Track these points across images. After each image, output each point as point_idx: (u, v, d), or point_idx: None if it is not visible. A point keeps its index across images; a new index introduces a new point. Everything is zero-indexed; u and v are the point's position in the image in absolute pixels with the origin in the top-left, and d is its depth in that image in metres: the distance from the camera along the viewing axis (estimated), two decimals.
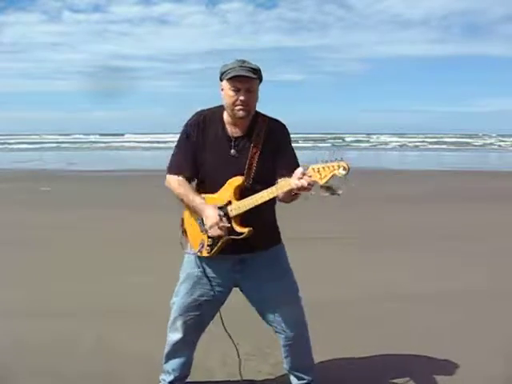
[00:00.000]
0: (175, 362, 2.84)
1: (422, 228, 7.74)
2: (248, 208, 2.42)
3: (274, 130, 2.56)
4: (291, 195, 2.39)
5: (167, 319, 3.97)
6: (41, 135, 53.10)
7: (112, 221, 8.24)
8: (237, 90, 2.44)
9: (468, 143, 46.29)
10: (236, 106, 2.45)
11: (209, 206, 2.49)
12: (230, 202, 2.47)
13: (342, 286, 4.88)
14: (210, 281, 2.64)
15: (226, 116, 2.56)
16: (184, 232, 2.69)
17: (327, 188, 2.22)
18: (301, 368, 2.80)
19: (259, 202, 2.40)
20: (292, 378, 2.85)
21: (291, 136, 2.65)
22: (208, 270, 2.64)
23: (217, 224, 2.43)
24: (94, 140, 48.46)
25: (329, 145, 37.44)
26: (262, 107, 2.65)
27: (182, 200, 2.58)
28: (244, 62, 2.46)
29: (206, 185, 2.57)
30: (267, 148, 2.51)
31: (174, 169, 2.60)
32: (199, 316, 2.70)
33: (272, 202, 2.51)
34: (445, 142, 46.42)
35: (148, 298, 4.57)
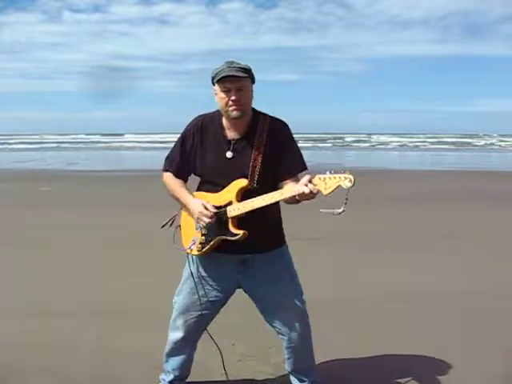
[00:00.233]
0: (175, 361, 2.85)
1: (422, 228, 7.75)
2: (247, 210, 2.41)
3: (277, 130, 2.54)
4: (295, 200, 2.37)
5: (167, 319, 3.97)
6: (41, 135, 53.09)
7: (112, 221, 8.24)
8: (227, 91, 2.44)
9: (469, 143, 46.30)
10: (229, 106, 2.45)
11: (193, 198, 2.54)
12: (230, 203, 2.46)
13: (342, 285, 4.88)
14: (212, 281, 2.64)
15: (224, 119, 2.56)
16: (179, 228, 2.71)
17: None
18: (302, 370, 2.80)
19: (260, 205, 2.38)
20: (293, 379, 2.85)
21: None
22: (211, 271, 2.64)
23: (201, 213, 2.45)
24: (94, 140, 48.46)
25: (330, 145, 37.48)
26: (263, 107, 2.66)
27: (172, 195, 2.65)
28: (232, 62, 2.47)
29: (209, 187, 2.57)
30: (270, 149, 2.50)
31: (165, 166, 2.69)
32: (200, 315, 2.69)
33: (277, 204, 2.49)
34: (445, 142, 46.45)
35: (148, 298, 4.57)
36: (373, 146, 42.31)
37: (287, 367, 2.83)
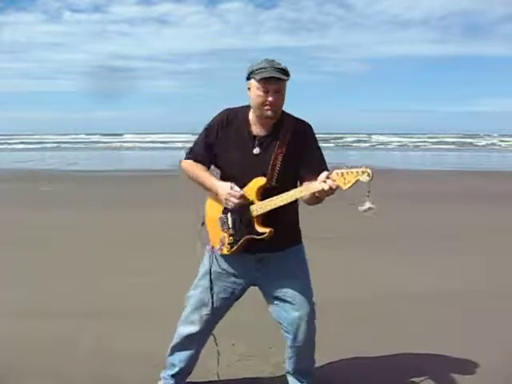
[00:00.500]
0: (183, 355, 2.83)
1: (421, 228, 7.75)
2: (270, 209, 2.44)
3: (300, 131, 2.56)
4: (315, 198, 2.39)
5: (167, 319, 3.97)
6: (41, 135, 53.08)
7: (112, 221, 8.24)
8: (266, 91, 2.43)
9: (470, 143, 46.30)
10: (264, 106, 2.45)
11: (218, 181, 2.53)
12: (252, 202, 2.48)
13: (341, 285, 4.88)
14: (229, 278, 2.66)
15: (251, 115, 2.56)
16: (206, 228, 2.71)
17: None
18: (303, 370, 2.80)
19: (282, 203, 2.40)
20: (291, 379, 2.85)
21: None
22: (228, 268, 2.66)
23: (230, 194, 2.45)
24: (94, 140, 48.47)
25: (332, 145, 37.44)
26: None
27: (194, 180, 2.64)
28: (273, 61, 2.44)
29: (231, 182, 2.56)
30: (292, 149, 2.51)
31: (188, 155, 2.68)
32: (215, 311, 2.70)
33: (296, 202, 2.51)
34: (446, 142, 46.47)
35: (148, 298, 4.57)
36: (373, 146, 42.31)
37: (288, 366, 2.83)
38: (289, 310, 2.62)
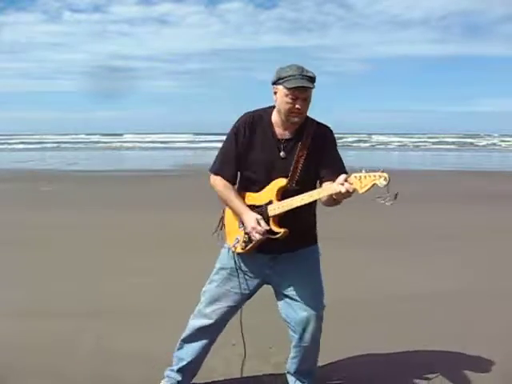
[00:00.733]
0: (192, 348, 2.83)
1: (421, 228, 7.75)
2: (288, 209, 2.47)
3: (321, 135, 2.59)
4: (333, 200, 2.41)
5: (167, 319, 3.98)
6: (41, 135, 53.08)
7: (112, 221, 8.24)
8: (295, 99, 2.45)
9: (470, 143, 46.31)
10: (291, 112, 2.48)
11: (248, 211, 2.55)
12: (270, 202, 2.52)
13: (341, 285, 4.87)
14: (243, 275, 2.69)
15: (274, 118, 2.59)
16: (223, 225, 2.76)
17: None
18: (304, 371, 2.81)
19: (299, 204, 2.44)
20: (292, 380, 2.86)
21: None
22: (243, 265, 2.69)
23: (254, 229, 2.48)
24: (94, 140, 48.48)
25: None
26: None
27: (224, 201, 2.66)
28: (303, 69, 2.46)
29: (251, 183, 2.61)
30: (313, 152, 2.54)
31: (217, 169, 2.66)
32: (229, 306, 2.74)
33: (313, 204, 2.55)
34: (447, 142, 46.49)
35: (148, 298, 4.57)
36: (373, 146, 42.31)
37: (289, 366, 2.83)
38: (297, 309, 2.63)
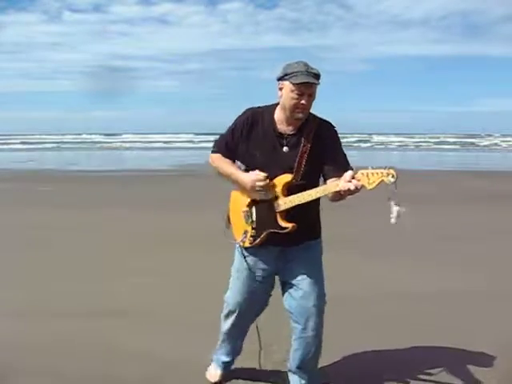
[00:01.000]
0: (228, 348, 3.02)
1: (421, 228, 7.73)
2: (294, 204, 2.52)
3: (324, 130, 2.63)
4: (339, 195, 2.45)
5: (167, 319, 3.99)
6: (41, 135, 53.07)
7: (112, 221, 8.24)
8: (301, 94, 2.50)
9: (471, 143, 46.30)
10: (297, 108, 2.52)
11: (244, 173, 2.61)
12: (277, 198, 2.56)
13: (341, 285, 4.87)
14: (259, 271, 2.74)
15: (277, 114, 2.63)
16: (229, 223, 2.81)
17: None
18: (306, 367, 2.82)
19: (306, 200, 2.49)
20: (292, 377, 2.86)
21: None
22: (256, 261, 2.74)
23: (255, 181, 2.54)
24: (94, 140, 48.48)
25: None
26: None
27: (222, 173, 2.71)
28: (308, 66, 2.50)
29: None
30: (316, 147, 2.58)
31: (215, 148, 2.75)
32: (253, 305, 2.83)
33: (318, 199, 2.59)
34: (448, 142, 46.51)
35: (148, 298, 4.57)
36: (374, 146, 42.29)
37: (291, 363, 2.85)
38: (300, 299, 2.69)
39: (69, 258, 5.90)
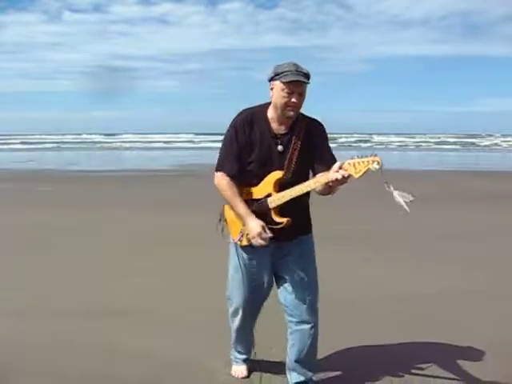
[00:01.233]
0: (241, 345, 3.12)
1: (421, 228, 7.74)
2: (287, 200, 2.59)
3: (313, 128, 2.73)
4: (329, 188, 2.54)
5: (167, 319, 3.99)
6: (41, 135, 53.07)
7: (112, 221, 8.25)
8: (291, 93, 2.58)
9: (472, 143, 46.28)
10: (288, 106, 2.61)
11: (253, 217, 2.64)
12: (270, 194, 2.65)
13: (341, 285, 4.87)
14: (256, 267, 2.81)
15: (270, 113, 2.71)
16: (225, 222, 2.86)
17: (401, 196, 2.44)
18: (304, 360, 2.83)
19: (297, 194, 2.57)
20: (291, 375, 2.88)
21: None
22: (253, 258, 2.80)
23: (259, 235, 2.59)
24: (94, 140, 48.49)
25: (335, 145, 37.30)
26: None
27: (227, 201, 2.74)
28: (298, 66, 2.60)
29: (250, 178, 2.71)
30: (306, 144, 2.68)
31: (220, 167, 2.73)
32: (255, 300, 2.91)
33: (307, 194, 2.67)
34: (448, 142, 46.51)
35: (148, 298, 4.57)
36: (374, 146, 42.25)
37: (289, 357, 2.87)
38: (294, 292, 2.75)
39: (69, 258, 5.90)
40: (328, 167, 2.49)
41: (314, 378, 2.90)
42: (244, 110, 2.75)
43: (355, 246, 6.52)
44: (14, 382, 3.08)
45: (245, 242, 2.73)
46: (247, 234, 2.68)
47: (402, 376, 3.13)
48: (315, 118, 2.78)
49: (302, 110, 2.70)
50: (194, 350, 3.44)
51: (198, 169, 16.59)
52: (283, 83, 2.57)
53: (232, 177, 2.69)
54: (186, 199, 10.54)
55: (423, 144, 44.81)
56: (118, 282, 5.03)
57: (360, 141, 46.79)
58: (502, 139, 50.21)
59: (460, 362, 3.29)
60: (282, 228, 2.63)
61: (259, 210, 2.66)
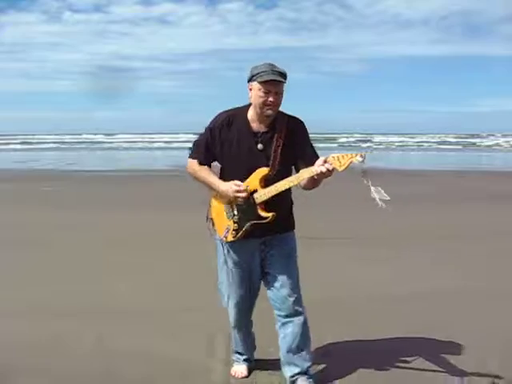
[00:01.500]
0: (240, 342, 3.14)
1: (421, 228, 7.74)
2: (272, 195, 2.69)
3: (294, 126, 2.83)
4: (313, 182, 2.65)
5: (167, 319, 3.98)
6: (41, 135, 53.06)
7: (112, 221, 8.24)
8: (267, 92, 2.68)
9: (473, 143, 46.26)
10: (266, 105, 2.71)
11: (223, 182, 2.77)
12: (255, 190, 2.73)
13: (341, 285, 4.87)
14: (241, 264, 2.90)
15: (250, 113, 2.81)
16: (211, 220, 2.94)
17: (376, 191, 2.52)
18: (297, 352, 2.87)
19: (282, 189, 2.67)
20: (285, 368, 2.93)
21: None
22: (237, 255, 2.89)
23: (235, 192, 2.70)
24: (94, 140, 48.50)
25: (335, 145, 37.39)
26: None
27: (200, 181, 2.88)
28: (274, 66, 2.70)
29: (233, 176, 2.79)
30: (288, 141, 2.78)
31: (193, 154, 2.91)
32: (245, 294, 2.96)
33: (291, 190, 2.79)
34: (449, 142, 46.51)
35: (148, 298, 4.57)
36: (374, 146, 42.23)
37: (281, 350, 2.92)
38: (279, 287, 2.84)
39: (69, 258, 5.90)
40: (311, 163, 2.59)
41: (310, 370, 2.93)
42: (223, 112, 2.86)
43: (354, 245, 6.52)
44: (14, 381, 3.08)
45: (230, 238, 2.82)
46: (232, 230, 2.79)
47: (398, 372, 3.13)
48: (295, 115, 2.87)
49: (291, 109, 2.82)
50: (193, 349, 3.44)
51: None
52: (260, 83, 2.67)
53: (202, 163, 2.85)
54: (185, 199, 10.52)
55: (424, 144, 44.80)
56: (118, 281, 5.03)
57: (360, 141, 46.78)
58: (503, 139, 50.15)
59: (459, 361, 3.28)
60: (267, 222, 2.71)
61: (246, 205, 2.74)
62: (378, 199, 2.49)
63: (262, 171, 2.73)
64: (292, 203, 2.95)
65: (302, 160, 2.74)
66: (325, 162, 2.52)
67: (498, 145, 44.43)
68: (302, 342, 2.88)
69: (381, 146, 41.45)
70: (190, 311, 4.20)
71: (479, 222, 8.29)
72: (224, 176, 2.85)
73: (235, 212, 2.79)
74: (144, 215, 8.69)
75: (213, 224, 2.94)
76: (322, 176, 2.55)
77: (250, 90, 2.75)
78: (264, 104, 2.70)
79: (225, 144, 2.79)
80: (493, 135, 57.16)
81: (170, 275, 5.29)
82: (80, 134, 54.76)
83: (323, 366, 3.22)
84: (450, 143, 46.11)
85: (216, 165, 2.90)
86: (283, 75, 2.70)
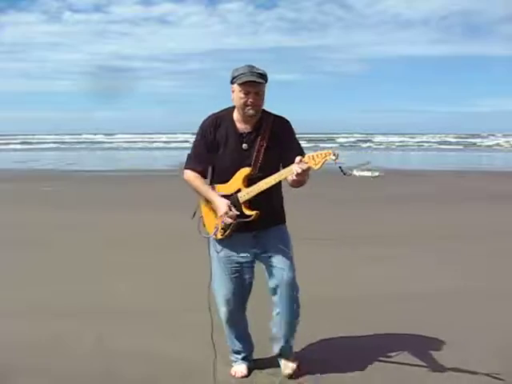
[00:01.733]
0: (234, 332, 3.15)
1: (422, 228, 7.74)
2: (255, 193, 2.79)
3: (279, 126, 2.91)
4: (295, 180, 2.70)
5: (167, 319, 3.99)
6: (41, 135, 53.05)
7: (112, 221, 8.24)
8: (247, 93, 2.78)
9: (474, 143, 46.26)
10: (247, 106, 2.80)
11: (219, 198, 2.86)
12: (239, 190, 2.83)
13: (341, 285, 4.88)
14: (233, 259, 2.98)
15: (235, 115, 2.90)
16: (202, 219, 3.04)
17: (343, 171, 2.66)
18: (288, 327, 2.99)
19: (264, 187, 2.77)
20: (275, 344, 3.08)
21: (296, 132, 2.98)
22: (229, 251, 2.97)
23: (226, 213, 2.79)
24: (94, 140, 48.50)
25: (336, 145, 37.38)
26: (265, 106, 2.91)
27: (197, 192, 2.98)
28: (253, 67, 2.80)
29: (221, 175, 2.92)
30: (272, 141, 2.86)
31: (189, 164, 2.99)
32: (237, 291, 3.02)
33: (278, 186, 2.88)
34: (449, 142, 46.51)
35: (148, 298, 4.57)
36: (374, 146, 42.27)
37: (279, 323, 3.00)
38: (275, 273, 2.92)
39: (69, 258, 5.90)
40: (293, 161, 2.65)
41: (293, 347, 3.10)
42: (212, 114, 2.95)
43: (354, 245, 6.51)
44: (14, 381, 3.09)
45: (219, 236, 2.91)
46: (221, 228, 2.86)
47: (396, 371, 3.13)
48: (281, 115, 2.95)
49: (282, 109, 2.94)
50: (193, 349, 3.44)
51: None
52: (239, 85, 2.78)
53: (198, 173, 2.94)
54: (185, 199, 10.52)
55: (425, 144, 44.79)
56: (118, 281, 5.03)
57: (360, 141, 46.77)
58: (504, 139, 50.14)
59: (459, 361, 3.28)
60: (253, 220, 2.80)
61: (232, 205, 2.81)
62: (369, 174, 2.65)
63: (245, 171, 2.83)
64: (282, 198, 3.02)
65: (288, 159, 2.76)
66: (301, 161, 2.60)
67: (498, 145, 44.41)
68: (295, 321, 2.99)
69: (381, 146, 41.50)
70: (191, 311, 4.19)
71: (479, 221, 8.29)
72: (213, 176, 2.97)
73: (227, 222, 2.85)
74: (144, 215, 8.69)
75: (203, 224, 3.03)
76: (299, 175, 2.62)
77: (233, 92, 2.84)
78: (245, 105, 2.79)
79: (214, 145, 2.89)
80: (493, 135, 57.13)
81: (170, 275, 5.29)
82: (80, 134, 54.74)
83: (323, 363, 3.22)
84: (451, 143, 46.10)
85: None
86: (263, 76, 2.79)
